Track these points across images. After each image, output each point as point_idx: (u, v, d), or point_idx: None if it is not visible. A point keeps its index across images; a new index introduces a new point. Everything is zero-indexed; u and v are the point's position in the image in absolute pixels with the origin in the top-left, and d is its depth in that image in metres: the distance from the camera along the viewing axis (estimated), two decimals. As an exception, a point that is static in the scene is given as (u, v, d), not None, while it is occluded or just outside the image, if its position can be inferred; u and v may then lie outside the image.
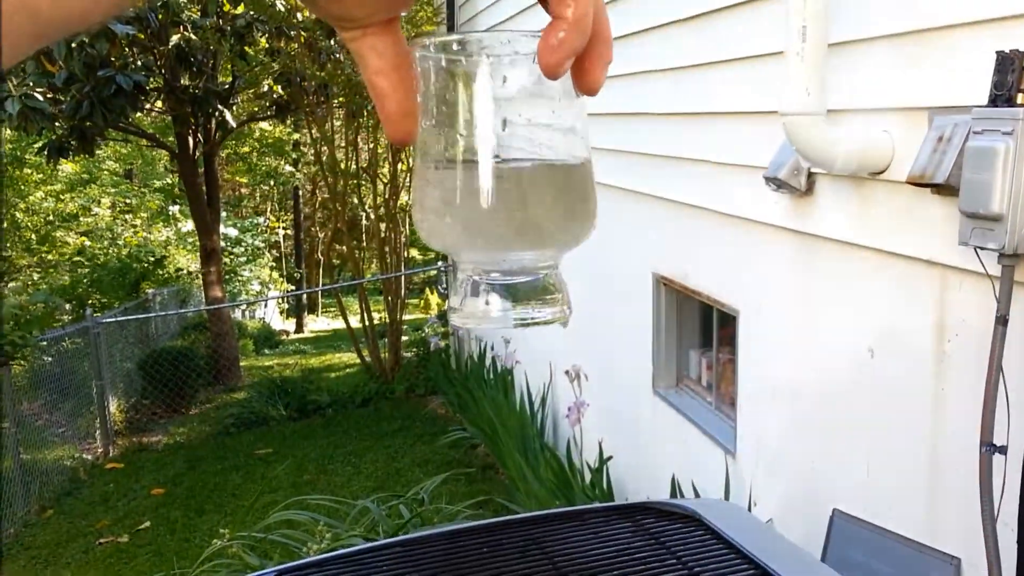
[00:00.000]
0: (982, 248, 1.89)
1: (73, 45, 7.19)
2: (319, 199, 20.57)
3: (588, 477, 4.62)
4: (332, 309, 19.59)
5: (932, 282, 2.23)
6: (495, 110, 0.51)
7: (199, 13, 8.66)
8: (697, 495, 3.66)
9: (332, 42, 8.40)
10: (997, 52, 1.83)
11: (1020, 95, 1.79)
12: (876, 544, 2.54)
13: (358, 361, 10.41)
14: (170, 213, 16.68)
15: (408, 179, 9.06)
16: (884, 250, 2.39)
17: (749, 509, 3.25)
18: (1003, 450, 1.90)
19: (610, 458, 4.64)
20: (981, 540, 2.02)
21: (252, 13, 8.76)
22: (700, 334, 4.19)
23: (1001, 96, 1.82)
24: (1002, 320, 1.88)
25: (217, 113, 9.68)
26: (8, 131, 9.89)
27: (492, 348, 7.38)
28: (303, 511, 4.24)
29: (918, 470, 2.36)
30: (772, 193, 2.86)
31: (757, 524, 2.18)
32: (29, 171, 14.72)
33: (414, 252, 16.88)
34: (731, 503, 2.65)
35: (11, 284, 13.23)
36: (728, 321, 3.60)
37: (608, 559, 1.64)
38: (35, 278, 14.34)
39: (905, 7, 2.21)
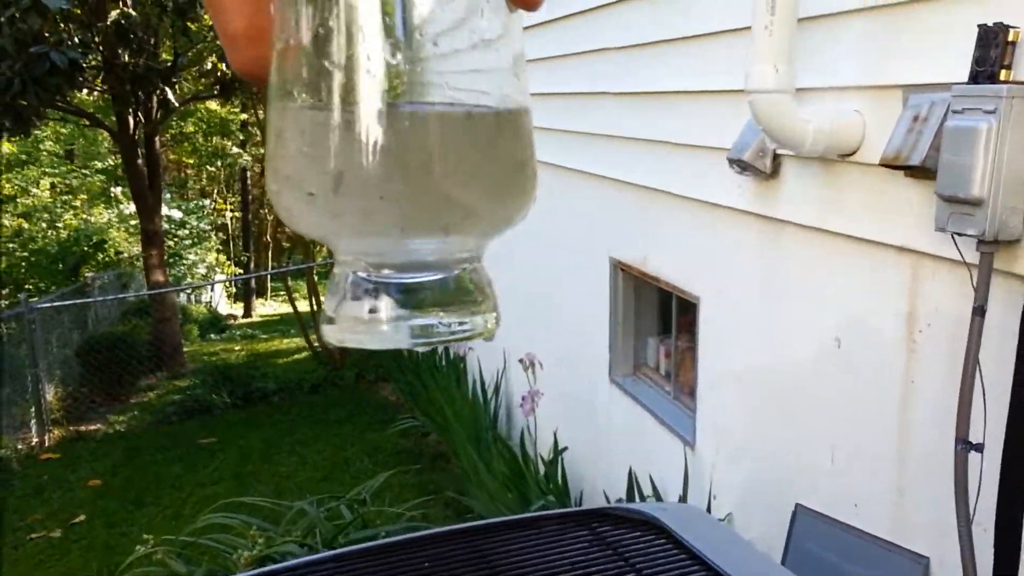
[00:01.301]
0: (960, 234, 1.79)
1: (2, 20, 6.82)
2: (268, 181, 20.08)
3: (542, 469, 4.50)
4: (282, 293, 19.24)
5: (903, 269, 2.13)
6: (390, 28, 0.35)
7: (139, -13, 8.31)
8: (655, 489, 3.56)
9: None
10: (979, 26, 1.72)
11: (1003, 71, 1.68)
12: (840, 541, 2.45)
13: (307, 347, 10.19)
14: (112, 195, 16.19)
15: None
16: (853, 236, 2.28)
17: (709, 503, 3.15)
18: (979, 448, 1.81)
19: (565, 449, 4.52)
20: (951, 540, 1.93)
21: (194, -13, 8.43)
22: (659, 321, 4.09)
23: (983, 72, 1.71)
24: (979, 311, 1.78)
25: (159, 92, 9.33)
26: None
27: (444, 335, 7.21)
28: (237, 514, 4.04)
29: (886, 466, 2.27)
30: (736, 176, 2.74)
31: (720, 530, 2.06)
32: (-38, 150, 14.13)
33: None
34: (693, 506, 2.54)
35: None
36: (688, 308, 3.49)
37: (563, 574, 1.51)
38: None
39: (879, -21, 2.10)
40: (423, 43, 0.35)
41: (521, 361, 4.57)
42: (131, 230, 14.40)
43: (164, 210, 12.87)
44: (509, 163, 0.38)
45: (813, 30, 2.32)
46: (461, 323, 0.39)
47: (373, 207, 0.36)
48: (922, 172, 1.90)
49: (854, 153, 2.18)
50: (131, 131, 9.71)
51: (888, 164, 1.97)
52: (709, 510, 3.10)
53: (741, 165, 2.60)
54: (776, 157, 2.56)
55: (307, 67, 0.35)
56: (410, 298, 0.38)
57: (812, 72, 2.32)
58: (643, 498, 3.59)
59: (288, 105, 0.36)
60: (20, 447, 7.88)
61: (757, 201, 2.74)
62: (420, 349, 0.39)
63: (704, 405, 3.29)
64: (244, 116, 15.95)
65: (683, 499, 3.30)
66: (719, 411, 3.19)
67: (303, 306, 10.49)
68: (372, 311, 0.38)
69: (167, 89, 9.37)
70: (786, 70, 2.11)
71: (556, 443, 4.54)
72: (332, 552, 1.59)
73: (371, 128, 0.35)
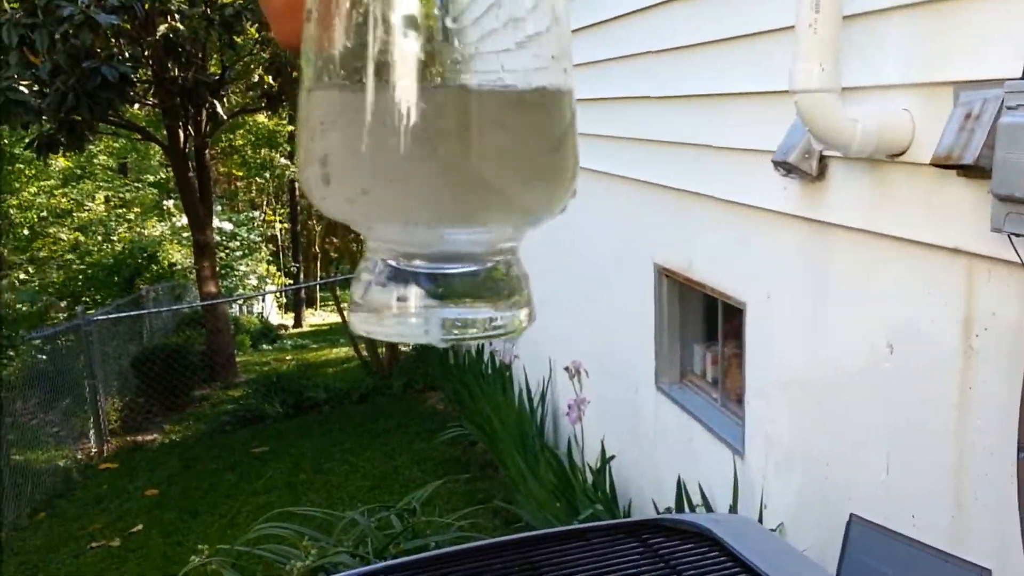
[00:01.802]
0: (1017, 235, 1.72)
1: (56, 36, 7.00)
2: (316, 192, 20.32)
3: (590, 478, 4.46)
4: (331, 303, 19.43)
5: (957, 272, 2.06)
6: (427, 6, 0.34)
7: (187, 2, 8.46)
8: (704, 498, 3.50)
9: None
10: (1033, 19, 1.65)
11: (1060, 65, 1.61)
12: (897, 552, 2.38)
13: (356, 356, 10.26)
14: (164, 208, 16.51)
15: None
16: (904, 238, 2.21)
17: (760, 513, 3.09)
18: (1042, 456, 1.73)
19: (612, 458, 4.48)
20: (1014, 552, 1.86)
21: (240, 1, 8.57)
22: (704, 327, 4.03)
23: (1038, 67, 1.64)
24: (1039, 314, 1.71)
25: (207, 105, 9.50)
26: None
27: (490, 343, 7.22)
28: (290, 524, 4.07)
29: (943, 474, 2.20)
30: (781, 179, 2.68)
31: (774, 541, 2.01)
32: (21, 166, 14.53)
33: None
34: (745, 517, 2.49)
35: (1, 282, 13.07)
36: (734, 313, 3.43)
37: (612, 588, 1.49)
38: (25, 276, 14.17)
39: (927, -27, 2.04)
40: (460, 21, 0.34)
41: (567, 369, 4.53)
42: (184, 242, 14.67)
43: (215, 222, 13.08)
44: (548, 147, 0.37)
45: (858, 27, 2.26)
46: (493, 319, 0.37)
47: (405, 190, 0.34)
48: (976, 171, 1.83)
49: (903, 153, 2.12)
50: (181, 144, 9.90)
51: (940, 164, 1.91)
52: (760, 520, 3.03)
53: (786, 167, 2.54)
54: (822, 159, 2.50)
55: (340, 45, 0.34)
56: (441, 290, 0.37)
57: (858, 70, 2.26)
58: (692, 508, 3.53)
59: (319, 84, 0.35)
60: (80, 457, 8.07)
61: (803, 204, 2.68)
62: (446, 345, 0.37)
63: (752, 412, 3.23)
64: (291, 128, 16.18)
65: (733, 509, 3.24)
66: (768, 419, 3.12)
67: (351, 315, 10.55)
68: (400, 301, 0.37)
69: (215, 102, 9.54)
70: (832, 69, 2.06)
71: (603, 451, 4.50)
72: (384, 564, 1.58)
73: (404, 108, 0.34)
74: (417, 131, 0.33)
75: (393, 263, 0.37)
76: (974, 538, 2.11)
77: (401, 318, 0.37)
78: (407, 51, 0.34)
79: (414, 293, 0.36)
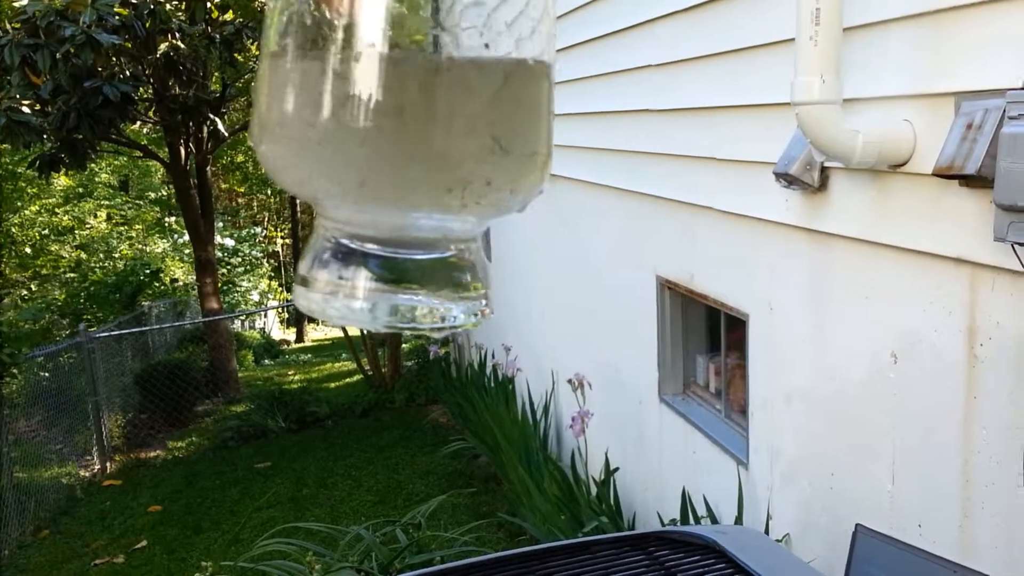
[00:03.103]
0: (1020, 244, 1.73)
1: (58, 56, 7.04)
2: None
3: (594, 491, 4.45)
4: (332, 317, 19.39)
5: (961, 281, 2.06)
6: None
7: (187, 21, 8.51)
8: (709, 510, 3.49)
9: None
10: (1032, 29, 1.67)
11: (1060, 75, 1.62)
12: (904, 562, 2.37)
13: (358, 370, 10.26)
14: (166, 224, 16.54)
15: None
16: (907, 248, 2.22)
17: (765, 524, 3.08)
18: (1048, 465, 1.74)
19: (616, 470, 4.47)
20: (1021, 559, 1.86)
21: (241, 19, 8.61)
22: (707, 338, 4.03)
23: (1038, 77, 1.65)
24: (1043, 322, 1.72)
25: (208, 122, 9.53)
26: (-2, 145, 9.74)
27: (493, 356, 7.21)
28: (294, 539, 4.06)
29: (949, 483, 2.20)
30: (782, 190, 2.69)
31: (780, 553, 2.01)
32: (23, 184, 14.57)
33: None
34: (751, 529, 2.48)
35: (4, 300, 13.09)
36: (737, 325, 3.43)
37: (619, 602, 1.48)
38: (27, 293, 14.18)
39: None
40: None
41: (570, 382, 4.54)
42: (186, 259, 14.69)
43: (217, 239, 13.11)
44: (519, 125, 0.34)
45: (859, 39, 2.27)
46: (444, 310, 0.35)
47: (362, 165, 0.32)
48: (978, 181, 1.84)
49: (905, 163, 2.13)
50: (183, 161, 9.93)
51: (942, 174, 1.92)
52: (766, 531, 3.03)
53: (788, 179, 2.55)
54: (824, 170, 2.51)
55: (301, 12, 0.32)
56: (391, 274, 0.34)
57: (859, 82, 2.27)
58: (697, 519, 3.53)
59: (280, 53, 0.33)
60: (83, 474, 8.05)
61: (805, 215, 2.69)
62: (385, 331, 0.34)
63: (756, 423, 3.23)
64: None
65: (738, 520, 3.23)
66: (772, 429, 3.12)
67: (353, 330, 10.58)
68: (346, 280, 0.34)
69: (216, 119, 9.57)
70: (833, 80, 2.07)
71: (607, 463, 4.50)
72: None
73: (364, 77, 0.31)
74: (378, 104, 0.31)
75: (345, 242, 0.35)
76: (982, 547, 2.11)
77: (346, 300, 0.34)
78: (374, 21, 0.31)
79: (362, 275, 0.34)
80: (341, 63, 0.32)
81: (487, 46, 0.32)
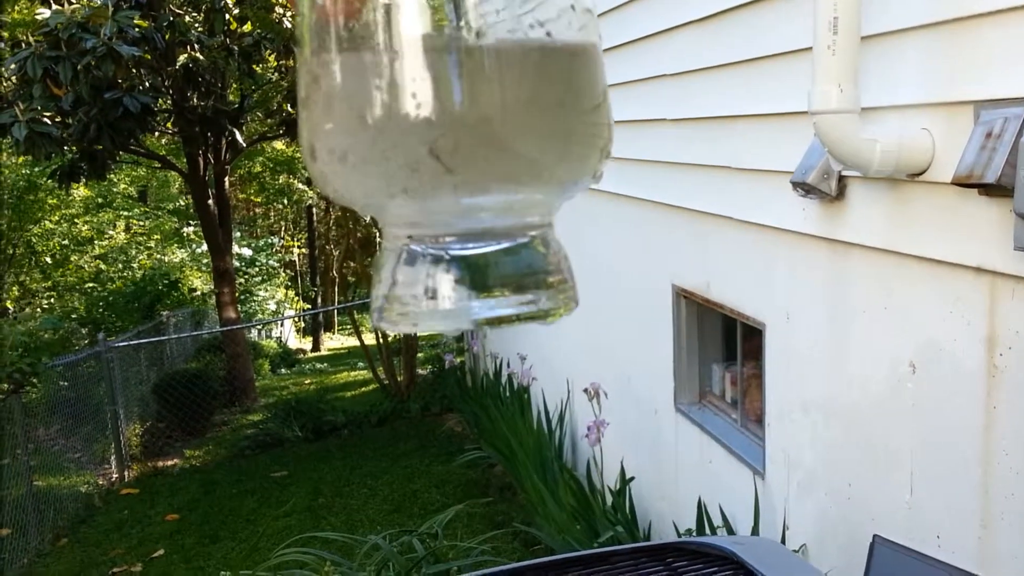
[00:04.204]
0: (1039, 253, 1.72)
1: (79, 67, 7.12)
2: (333, 217, 20.51)
3: (609, 500, 4.44)
4: (348, 327, 19.50)
5: (980, 291, 2.05)
6: None
7: (206, 33, 8.59)
8: (725, 520, 3.48)
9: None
10: (1051, 37, 1.66)
11: (1079, 83, 1.62)
12: (923, 574, 2.35)
13: (374, 379, 10.28)
14: (185, 235, 16.66)
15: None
16: (925, 257, 2.21)
17: (782, 534, 3.07)
18: (1070, 476, 1.72)
19: (632, 479, 4.46)
20: (1044, 573, 1.84)
21: (259, 31, 8.69)
22: (723, 348, 4.02)
23: (1057, 85, 1.65)
24: (1064, 332, 1.71)
25: (227, 133, 9.61)
26: (19, 157, 9.86)
27: (508, 365, 7.22)
28: (310, 548, 4.07)
29: (968, 494, 2.18)
30: (799, 199, 2.69)
31: (798, 564, 2.00)
32: (43, 195, 14.71)
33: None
34: (768, 540, 2.47)
35: (25, 310, 13.20)
36: (753, 334, 3.42)
37: (637, 612, 1.48)
38: (47, 304, 14.31)
39: (944, -7, 2.05)
40: None
41: (585, 391, 4.53)
42: (204, 269, 14.78)
43: (235, 248, 13.19)
44: (578, 106, 0.33)
45: (877, 48, 2.27)
46: (532, 301, 0.34)
47: (421, 158, 0.31)
48: (997, 190, 1.83)
49: (923, 172, 2.12)
50: (201, 172, 10.01)
51: (961, 183, 1.91)
52: (783, 541, 3.01)
53: (805, 188, 2.55)
54: (841, 179, 2.50)
55: (335, 18, 0.32)
56: (472, 272, 0.33)
57: (876, 91, 2.27)
58: (713, 529, 3.51)
59: (323, 50, 0.32)
60: (101, 482, 8.10)
61: (822, 224, 2.68)
62: (473, 327, 0.33)
63: (773, 433, 3.21)
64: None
65: (755, 530, 3.22)
66: (789, 439, 3.11)
67: (369, 339, 10.62)
68: (430, 288, 0.33)
69: (235, 130, 9.64)
70: (850, 89, 2.07)
71: (623, 473, 4.48)
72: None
73: (414, 67, 0.31)
74: (433, 94, 0.31)
75: (416, 248, 0.34)
76: (1001, 559, 2.09)
77: (431, 305, 0.33)
78: (422, 11, 0.31)
79: (443, 277, 0.33)
80: (381, 55, 0.31)
81: (533, 27, 0.32)
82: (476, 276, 0.33)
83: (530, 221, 0.34)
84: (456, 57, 0.31)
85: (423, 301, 0.33)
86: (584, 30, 0.34)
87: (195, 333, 12.30)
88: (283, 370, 14.38)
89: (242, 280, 15.71)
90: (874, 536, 2.54)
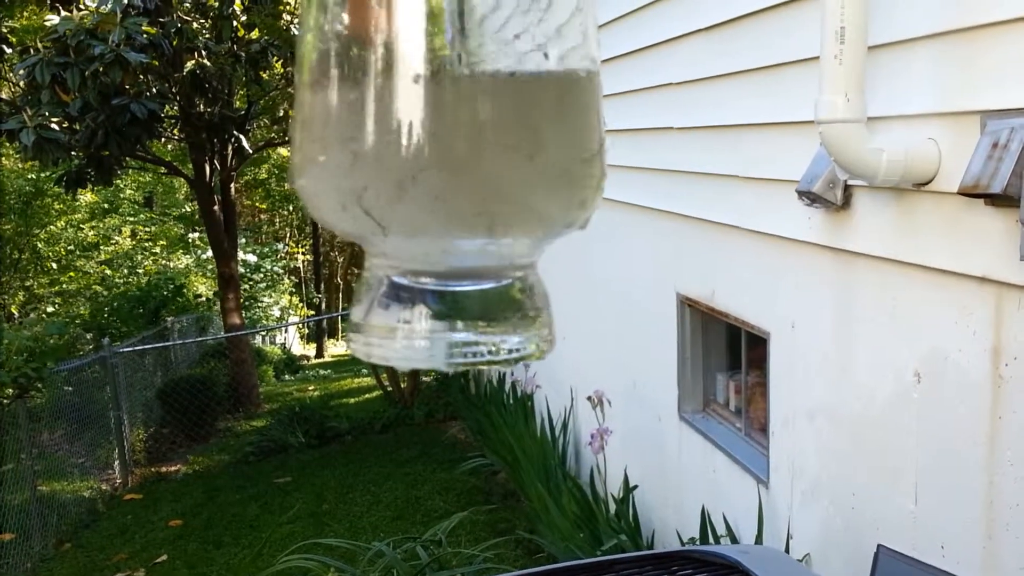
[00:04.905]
0: (1045, 263, 1.72)
1: (87, 74, 7.15)
2: (338, 223, 20.51)
3: (613, 508, 4.43)
4: (352, 333, 19.46)
5: (986, 301, 2.05)
6: None
7: (214, 39, 8.62)
8: (729, 529, 3.47)
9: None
10: (1057, 48, 1.67)
11: (1085, 94, 1.62)
12: (928, 584, 2.35)
13: (377, 386, 10.29)
14: (190, 240, 16.70)
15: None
16: (930, 267, 2.21)
17: (786, 544, 3.06)
18: (1075, 486, 1.72)
19: (635, 488, 4.45)
20: (1049, 583, 1.83)
21: (267, 38, 8.72)
22: (727, 356, 4.02)
23: (1063, 96, 1.65)
24: (1070, 342, 1.71)
25: (233, 140, 9.64)
26: (26, 163, 9.91)
27: (512, 373, 7.22)
28: (314, 554, 4.07)
29: (973, 504, 2.18)
30: (805, 208, 2.69)
31: (803, 573, 2.00)
32: (50, 200, 14.77)
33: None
34: (773, 549, 2.47)
35: (30, 315, 13.24)
36: (757, 343, 3.42)
37: (641, 620, 1.48)
38: (52, 309, 14.35)
39: (951, 4, 2.05)
40: (469, 3, 0.30)
41: (589, 399, 4.53)
42: (209, 274, 14.81)
43: (240, 254, 13.22)
44: (575, 139, 0.32)
45: (884, 57, 2.27)
46: (507, 343, 0.33)
47: (407, 194, 0.30)
48: (1004, 200, 1.83)
49: (930, 182, 2.12)
50: (207, 178, 10.04)
51: (967, 193, 1.91)
52: (786, 551, 3.01)
53: (810, 197, 2.55)
54: (847, 188, 2.51)
55: (336, 37, 0.31)
56: (450, 309, 0.33)
57: (883, 100, 2.27)
58: (716, 538, 3.50)
59: (314, 81, 0.32)
60: (104, 488, 8.11)
61: (828, 233, 2.68)
62: (452, 371, 0.32)
63: (777, 442, 3.21)
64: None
65: (758, 539, 3.21)
66: (793, 448, 3.10)
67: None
68: (405, 323, 0.33)
69: (241, 136, 9.67)
70: (857, 99, 2.08)
71: (627, 481, 4.48)
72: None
73: (403, 100, 0.30)
74: (426, 127, 0.30)
75: (398, 279, 0.33)
76: (1006, 569, 2.09)
77: (406, 341, 0.33)
78: (411, 41, 0.30)
79: (420, 313, 0.33)
80: (369, 87, 0.30)
81: (524, 59, 0.31)
82: (453, 312, 0.33)
83: (512, 262, 0.33)
84: (447, 99, 0.30)
85: (398, 336, 0.33)
86: (581, 57, 0.32)
87: (200, 339, 12.31)
88: (287, 376, 14.39)
89: (247, 286, 15.74)
90: (878, 546, 2.54)
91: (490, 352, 0.33)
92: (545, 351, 0.34)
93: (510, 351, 0.33)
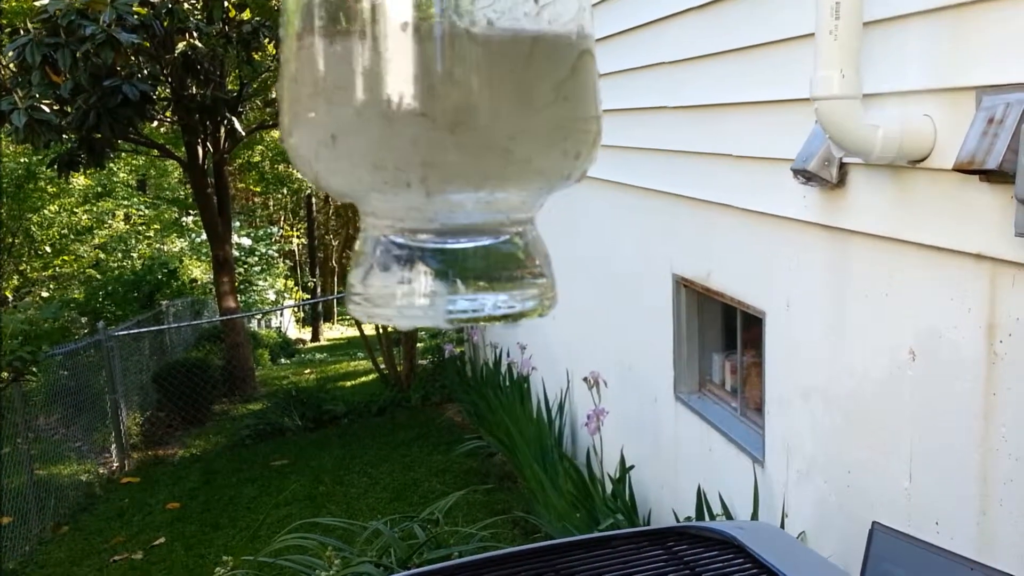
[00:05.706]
0: (1040, 239, 1.72)
1: (78, 55, 7.10)
2: (332, 206, 20.50)
3: (609, 488, 4.45)
4: (348, 317, 19.49)
5: (981, 277, 2.05)
6: None
7: (205, 20, 8.55)
8: (725, 507, 3.49)
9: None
10: (1053, 23, 1.66)
11: (1082, 69, 1.61)
12: (922, 560, 2.36)
13: (374, 369, 10.30)
14: (184, 224, 16.64)
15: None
16: (926, 244, 2.21)
17: (781, 522, 3.08)
18: (1069, 461, 1.72)
19: (631, 468, 4.47)
20: (1042, 558, 1.85)
21: (258, 19, 8.66)
22: (723, 336, 4.02)
23: (1059, 71, 1.64)
24: (1064, 318, 1.71)
25: (226, 121, 9.58)
26: (18, 145, 9.85)
27: (508, 355, 7.22)
28: (312, 534, 4.08)
29: (967, 480, 2.19)
30: (800, 186, 2.69)
31: (798, 548, 2.01)
32: (43, 184, 14.69)
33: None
34: (769, 524, 2.48)
35: (25, 299, 13.20)
36: (753, 323, 3.43)
37: (638, 595, 1.48)
38: (46, 292, 14.31)
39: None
40: None
41: (585, 380, 4.54)
42: (203, 258, 14.78)
43: (234, 238, 13.18)
44: (567, 97, 0.32)
45: (879, 34, 2.26)
46: (509, 300, 0.33)
47: (402, 149, 0.30)
48: (999, 176, 1.83)
49: (925, 159, 2.12)
50: (200, 161, 9.98)
51: (962, 169, 1.91)
52: (782, 528, 3.02)
53: (806, 175, 2.54)
54: (842, 166, 2.50)
55: None
56: (450, 268, 0.32)
57: (878, 77, 2.26)
58: (712, 517, 3.52)
59: (303, 35, 0.31)
60: (101, 471, 8.12)
61: (823, 212, 2.68)
62: (451, 327, 0.31)
63: (772, 421, 3.22)
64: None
65: (754, 517, 3.23)
66: (788, 427, 3.11)
67: (369, 329, 10.62)
68: (405, 282, 0.32)
69: (234, 119, 9.61)
70: (852, 75, 2.06)
71: (623, 461, 4.49)
72: (408, 573, 1.59)
73: (397, 55, 0.29)
74: (414, 83, 0.29)
75: (396, 239, 0.33)
76: (1000, 544, 2.10)
77: (406, 300, 0.32)
78: None
79: (420, 271, 0.32)
80: (362, 42, 0.30)
81: (525, 15, 0.31)
82: (453, 270, 0.32)
83: (511, 217, 0.33)
84: (441, 47, 0.30)
85: (397, 295, 0.32)
86: (572, 20, 0.32)
87: (195, 322, 12.30)
88: (283, 360, 14.39)
89: (241, 270, 15.70)
90: (873, 523, 2.55)
91: (489, 309, 0.33)
92: (548, 307, 0.34)
93: (511, 307, 0.33)
